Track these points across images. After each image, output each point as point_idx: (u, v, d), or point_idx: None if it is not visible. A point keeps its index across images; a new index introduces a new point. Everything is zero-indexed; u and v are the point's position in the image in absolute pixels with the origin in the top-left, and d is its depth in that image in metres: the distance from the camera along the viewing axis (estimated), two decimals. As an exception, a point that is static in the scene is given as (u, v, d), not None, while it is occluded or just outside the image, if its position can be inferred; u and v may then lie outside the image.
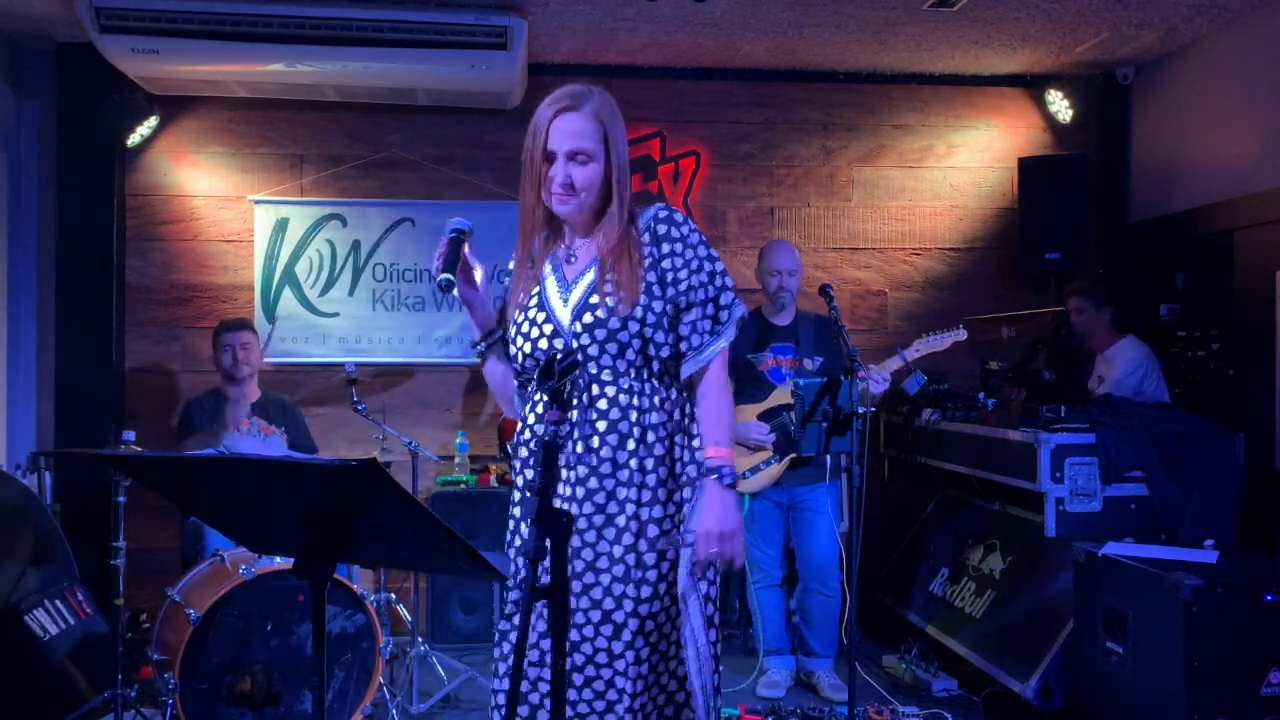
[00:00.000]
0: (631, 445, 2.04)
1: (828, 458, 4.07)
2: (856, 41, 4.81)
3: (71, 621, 3.65)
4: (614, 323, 2.03)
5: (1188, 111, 4.89)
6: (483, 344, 2.19)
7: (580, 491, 2.03)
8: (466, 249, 2.12)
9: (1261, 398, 4.26)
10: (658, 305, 2.07)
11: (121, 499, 3.41)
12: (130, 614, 4.37)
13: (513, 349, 2.15)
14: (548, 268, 2.16)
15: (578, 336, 2.05)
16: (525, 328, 2.12)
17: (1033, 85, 5.35)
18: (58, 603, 3.63)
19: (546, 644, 2.01)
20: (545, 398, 1.83)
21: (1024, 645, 3.77)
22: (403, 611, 4.25)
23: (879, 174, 5.38)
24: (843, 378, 3.68)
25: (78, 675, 3.60)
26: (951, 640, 4.17)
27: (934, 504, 4.87)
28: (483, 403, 5.15)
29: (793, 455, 4.00)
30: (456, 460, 4.91)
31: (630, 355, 2.05)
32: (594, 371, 2.05)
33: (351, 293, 5.07)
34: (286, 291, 5.03)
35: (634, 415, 2.05)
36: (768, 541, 4.17)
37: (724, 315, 2.11)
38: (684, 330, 2.09)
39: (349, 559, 1.80)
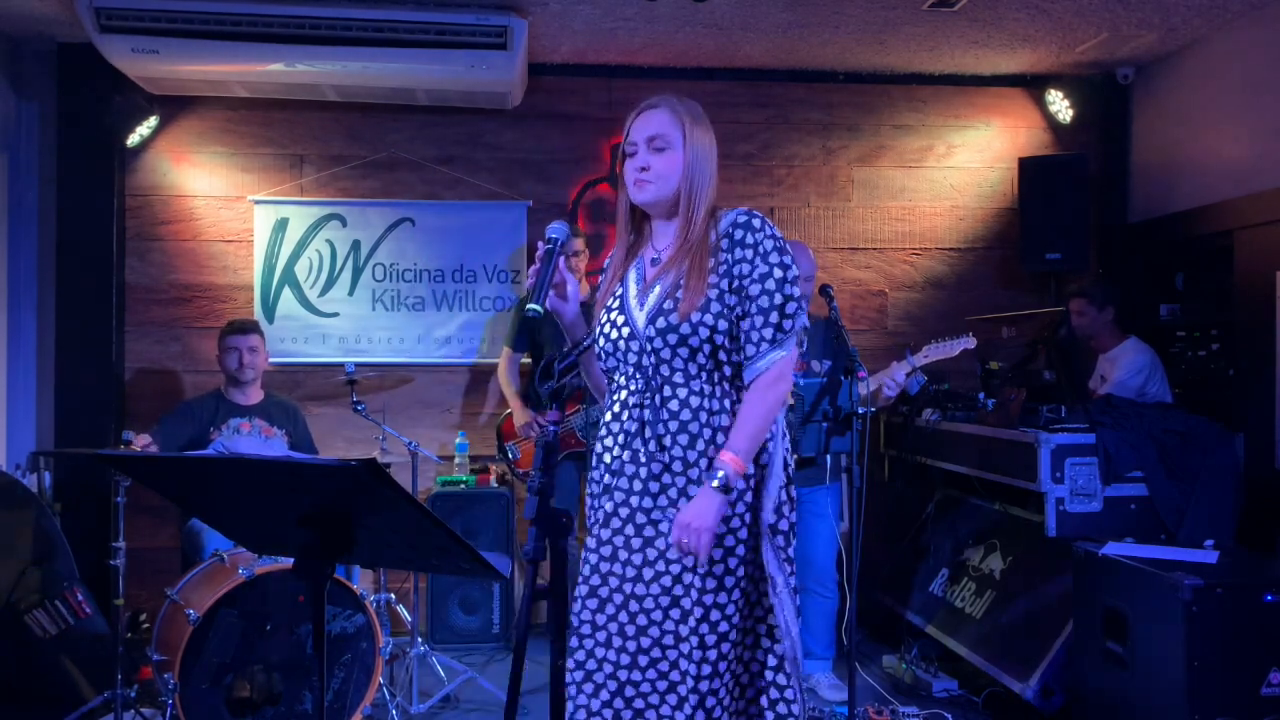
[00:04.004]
0: (701, 445, 2.09)
1: (828, 459, 4.07)
2: (856, 41, 4.81)
3: (71, 621, 3.65)
4: (685, 328, 2.07)
5: (1188, 111, 4.89)
6: (573, 355, 2.17)
7: (655, 486, 2.12)
8: (562, 261, 2.12)
9: (1261, 398, 4.26)
10: (727, 312, 2.10)
11: (121, 499, 3.41)
12: (130, 614, 4.38)
13: (597, 347, 2.23)
14: (632, 272, 2.24)
15: (651, 340, 2.11)
16: (607, 329, 2.21)
17: (1033, 85, 5.36)
18: (57, 602, 3.63)
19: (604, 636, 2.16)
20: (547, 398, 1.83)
21: (1024, 645, 3.76)
22: (402, 611, 4.25)
23: (879, 174, 5.38)
24: (843, 378, 3.68)
25: (78, 675, 3.60)
26: (951, 640, 4.17)
27: (934, 504, 4.87)
28: (482, 403, 5.16)
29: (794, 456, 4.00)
30: (456, 460, 4.91)
31: (701, 359, 2.10)
32: (666, 374, 2.12)
33: (351, 293, 5.07)
34: (286, 291, 5.03)
35: (704, 417, 2.10)
36: (768, 541, 4.16)
37: (786, 325, 2.11)
38: (742, 339, 2.11)
39: (349, 559, 1.80)
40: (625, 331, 2.16)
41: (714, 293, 2.09)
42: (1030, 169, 5.13)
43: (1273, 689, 2.93)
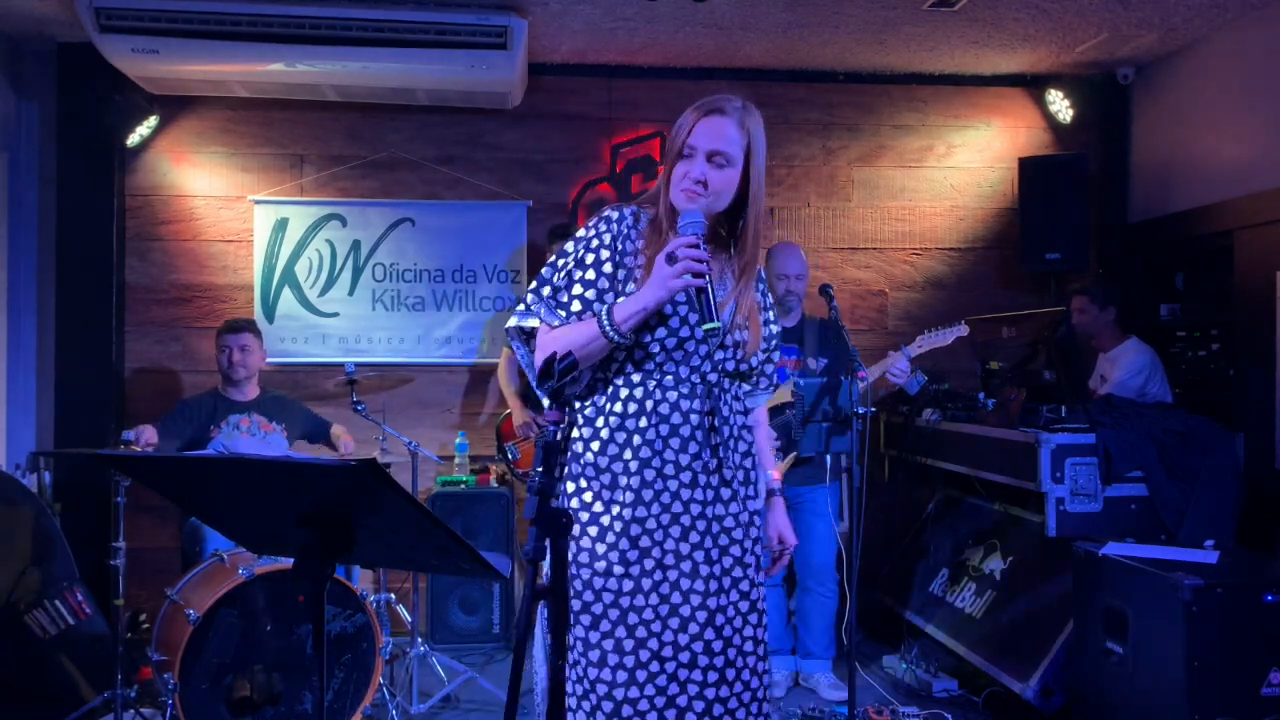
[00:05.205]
0: (743, 448, 2.18)
1: (828, 458, 4.07)
2: (856, 41, 4.81)
3: (71, 621, 3.65)
4: (751, 347, 2.16)
5: (1188, 111, 4.89)
6: (631, 339, 2.06)
7: (726, 494, 2.12)
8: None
9: (1261, 398, 4.26)
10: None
11: (121, 499, 3.42)
12: (130, 614, 4.38)
13: (648, 336, 2.07)
14: None
15: (724, 349, 2.12)
16: (673, 323, 2.08)
17: (1033, 85, 5.36)
18: (57, 603, 3.63)
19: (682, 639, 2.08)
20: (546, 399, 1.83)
21: (1024, 645, 3.76)
22: (402, 611, 4.25)
23: (879, 174, 5.38)
24: (843, 378, 3.68)
25: (77, 675, 3.60)
26: (952, 640, 4.17)
27: (934, 504, 4.87)
28: (482, 403, 5.16)
29: (794, 455, 4.00)
30: (456, 460, 4.91)
31: (741, 372, 2.19)
32: (723, 383, 2.14)
33: (351, 293, 5.07)
34: (286, 291, 5.03)
35: (740, 420, 2.19)
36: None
37: (777, 356, 2.34)
38: (766, 368, 2.27)
39: (349, 559, 1.80)
40: (702, 337, 2.08)
41: (763, 319, 2.23)
42: (1030, 169, 5.13)
43: (1273, 689, 2.93)
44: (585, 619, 2.06)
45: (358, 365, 4.11)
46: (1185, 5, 4.32)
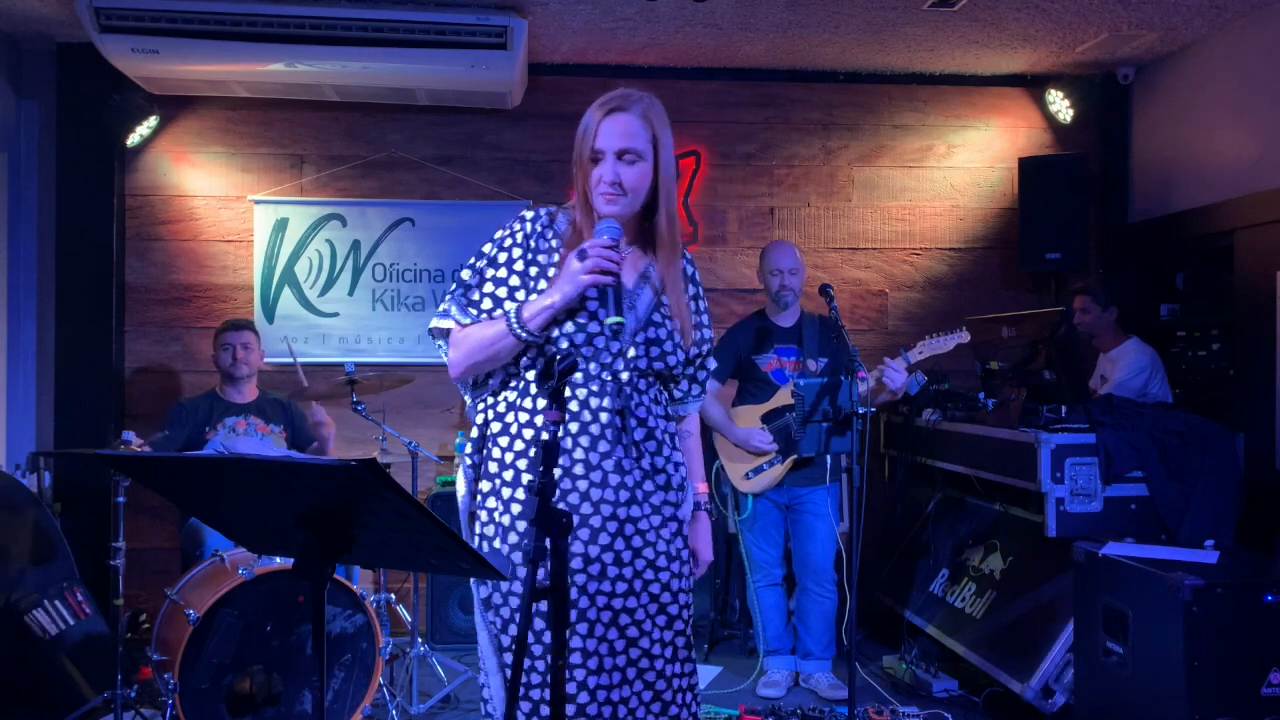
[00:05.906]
0: (666, 451, 2.15)
1: (828, 458, 4.07)
2: (856, 41, 4.81)
3: (71, 621, 3.65)
4: (669, 345, 2.12)
5: (1188, 111, 4.89)
6: (540, 336, 2.04)
7: (640, 494, 2.09)
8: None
9: (1261, 398, 4.26)
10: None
11: (121, 499, 3.42)
12: (130, 614, 4.38)
13: (556, 331, 2.05)
14: None
15: (637, 346, 2.09)
16: (582, 318, 2.05)
17: (1033, 85, 5.36)
18: (57, 603, 3.63)
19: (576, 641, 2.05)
20: (545, 398, 1.82)
21: (1024, 645, 3.76)
22: (402, 612, 4.25)
23: (879, 174, 5.38)
24: (843, 378, 3.68)
25: (77, 675, 3.60)
26: (952, 640, 4.17)
27: (934, 504, 4.87)
28: (483, 403, 5.15)
29: (795, 456, 4.00)
30: (456, 460, 4.91)
31: (663, 373, 2.15)
32: (641, 386, 2.10)
33: (351, 293, 5.07)
34: (286, 291, 5.03)
35: (662, 423, 2.15)
36: (768, 541, 4.17)
37: (710, 364, 2.31)
38: (699, 374, 2.26)
39: (349, 559, 1.80)
40: (610, 333, 2.05)
41: (695, 322, 2.20)
42: (1030, 169, 5.13)
43: (1273, 689, 2.93)
44: (496, 621, 2.10)
45: (358, 365, 4.11)
46: (1185, 5, 4.32)
